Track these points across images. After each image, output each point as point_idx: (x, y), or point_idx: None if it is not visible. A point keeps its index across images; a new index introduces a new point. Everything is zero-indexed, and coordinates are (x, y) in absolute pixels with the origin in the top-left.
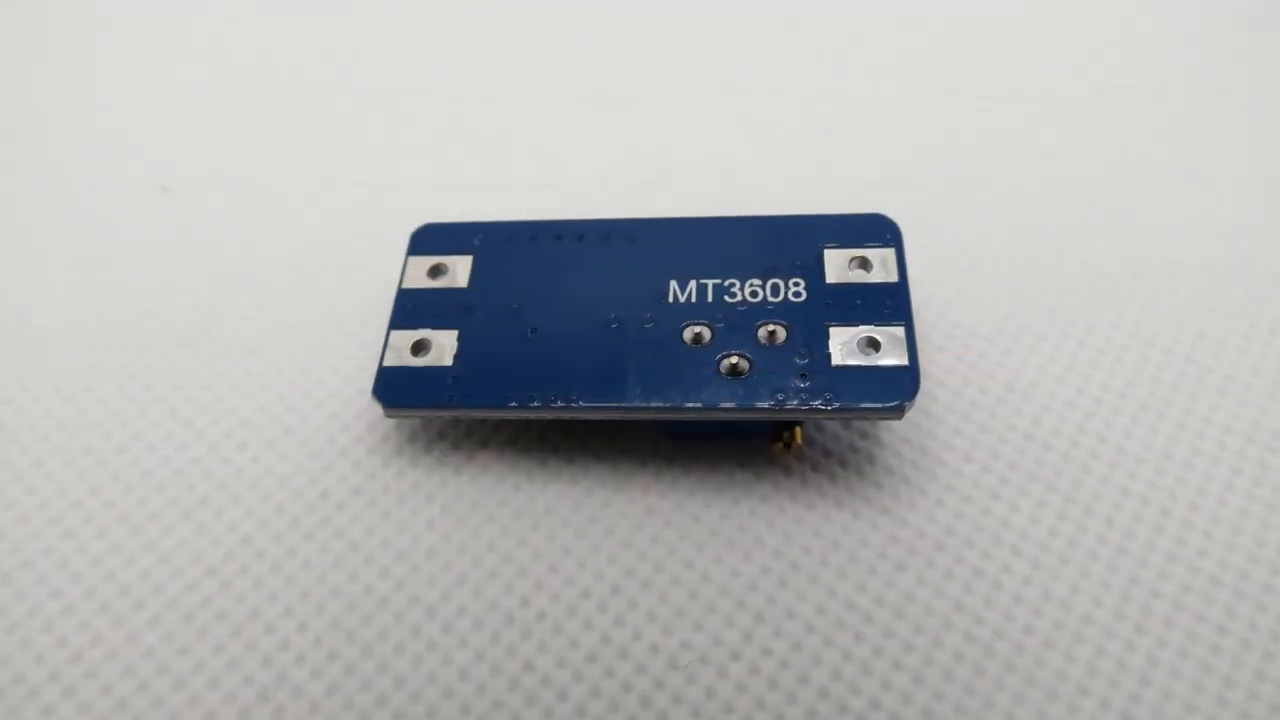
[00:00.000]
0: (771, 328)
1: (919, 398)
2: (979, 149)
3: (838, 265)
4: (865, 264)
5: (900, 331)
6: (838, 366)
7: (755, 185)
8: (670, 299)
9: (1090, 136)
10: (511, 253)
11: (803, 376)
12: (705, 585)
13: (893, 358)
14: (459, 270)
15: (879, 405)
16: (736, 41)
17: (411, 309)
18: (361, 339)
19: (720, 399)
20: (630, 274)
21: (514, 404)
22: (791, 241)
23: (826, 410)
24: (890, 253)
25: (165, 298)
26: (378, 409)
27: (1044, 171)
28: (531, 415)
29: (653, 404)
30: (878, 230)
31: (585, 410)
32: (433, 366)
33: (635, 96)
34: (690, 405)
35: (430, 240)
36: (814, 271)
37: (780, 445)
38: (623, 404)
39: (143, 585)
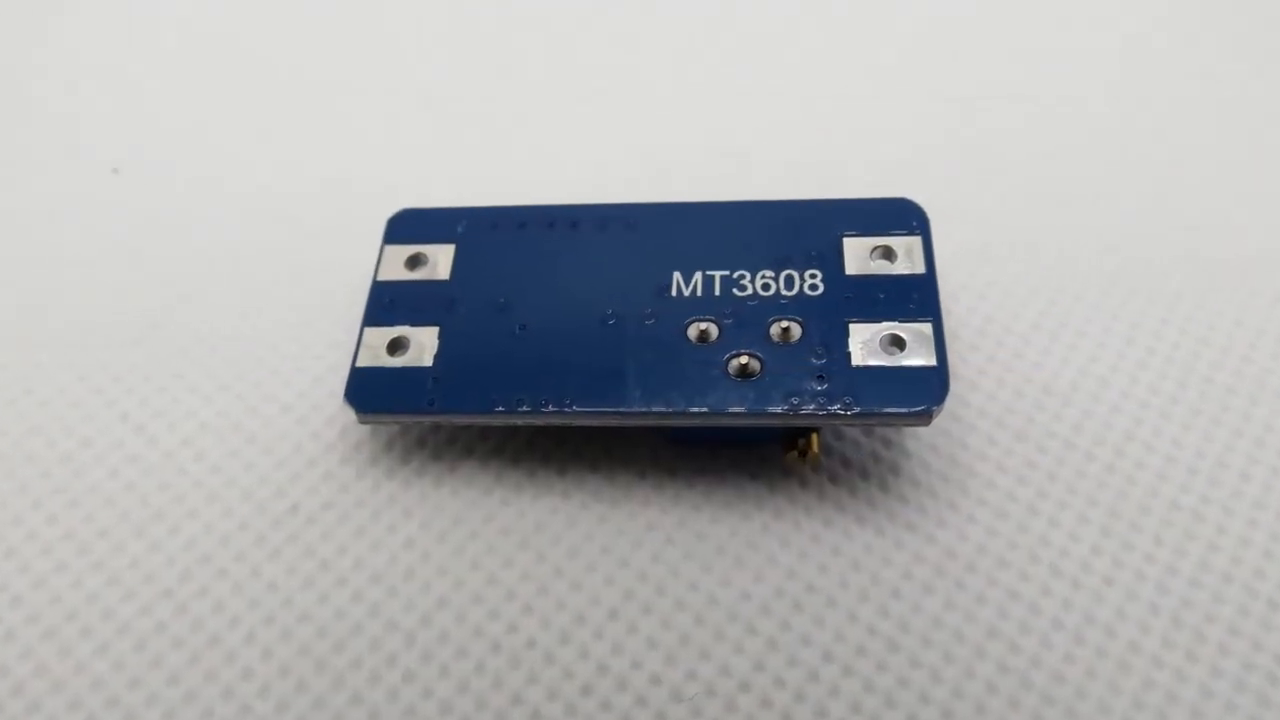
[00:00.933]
0: (785, 324)
1: (948, 402)
2: (1016, 132)
3: (858, 255)
4: (889, 253)
5: (928, 328)
6: (858, 367)
7: (767, 168)
8: (674, 292)
9: (1138, 120)
10: (499, 241)
11: (819, 378)
12: (712, 609)
13: (919, 358)
14: (440, 261)
15: (904, 410)
16: (755, 14)
17: (388, 303)
18: (332, 337)
19: (728, 403)
20: (630, 265)
21: (500, 408)
22: (807, 229)
23: (846, 416)
24: (916, 241)
25: (115, 291)
26: (350, 414)
27: (1088, 154)
28: (520, 421)
29: (654, 408)
30: (903, 216)
31: (579, 415)
32: (411, 367)
33: (635, 88)
34: (695, 410)
35: (408, 227)
36: (832, 262)
37: (795, 454)
38: (621, 408)
39: (90, 609)
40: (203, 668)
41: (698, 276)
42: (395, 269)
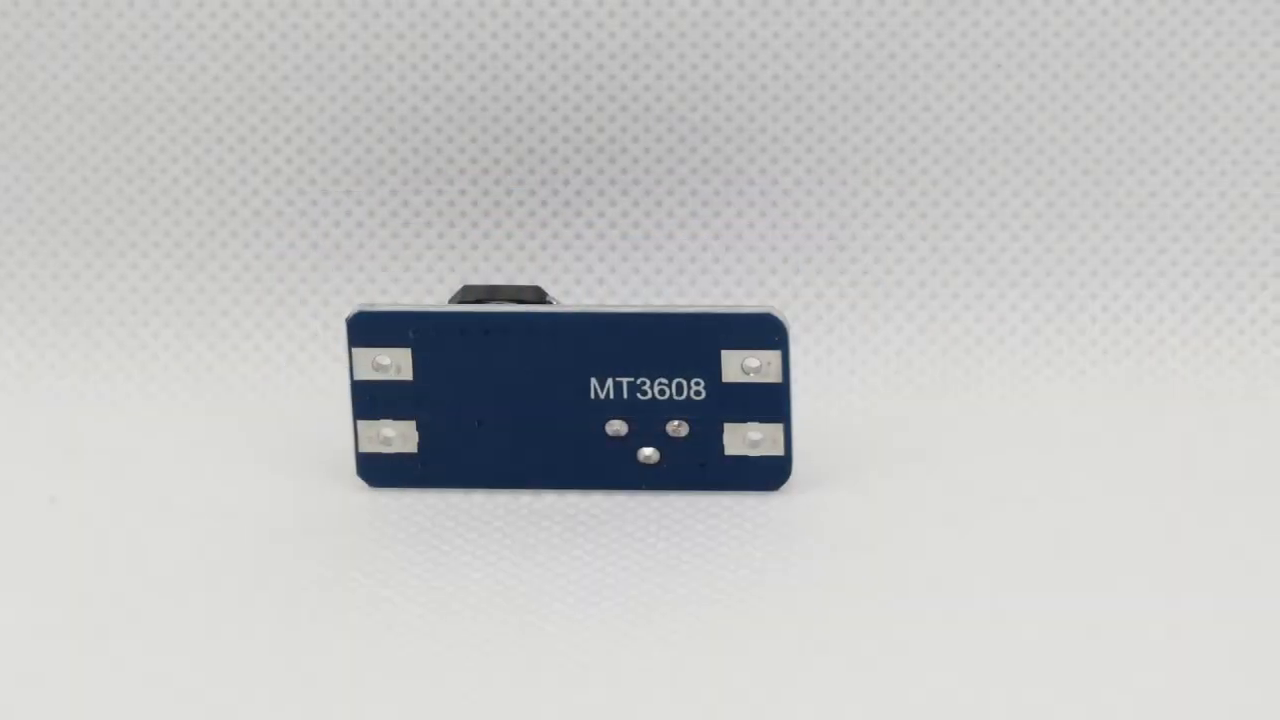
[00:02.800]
0: (677, 423)
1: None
2: None
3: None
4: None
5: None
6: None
7: None
8: (592, 395)
9: None
10: (446, 345)
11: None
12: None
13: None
14: (402, 363)
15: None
16: None
17: (369, 400)
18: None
19: (638, 484)
20: (555, 369)
21: (475, 485)
22: (689, 340)
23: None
24: (776, 355)
25: None
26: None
27: None
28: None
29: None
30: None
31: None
32: (402, 454)
33: None
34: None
35: (367, 331)
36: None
37: None
38: (561, 488)
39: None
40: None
41: (610, 382)
42: (366, 369)
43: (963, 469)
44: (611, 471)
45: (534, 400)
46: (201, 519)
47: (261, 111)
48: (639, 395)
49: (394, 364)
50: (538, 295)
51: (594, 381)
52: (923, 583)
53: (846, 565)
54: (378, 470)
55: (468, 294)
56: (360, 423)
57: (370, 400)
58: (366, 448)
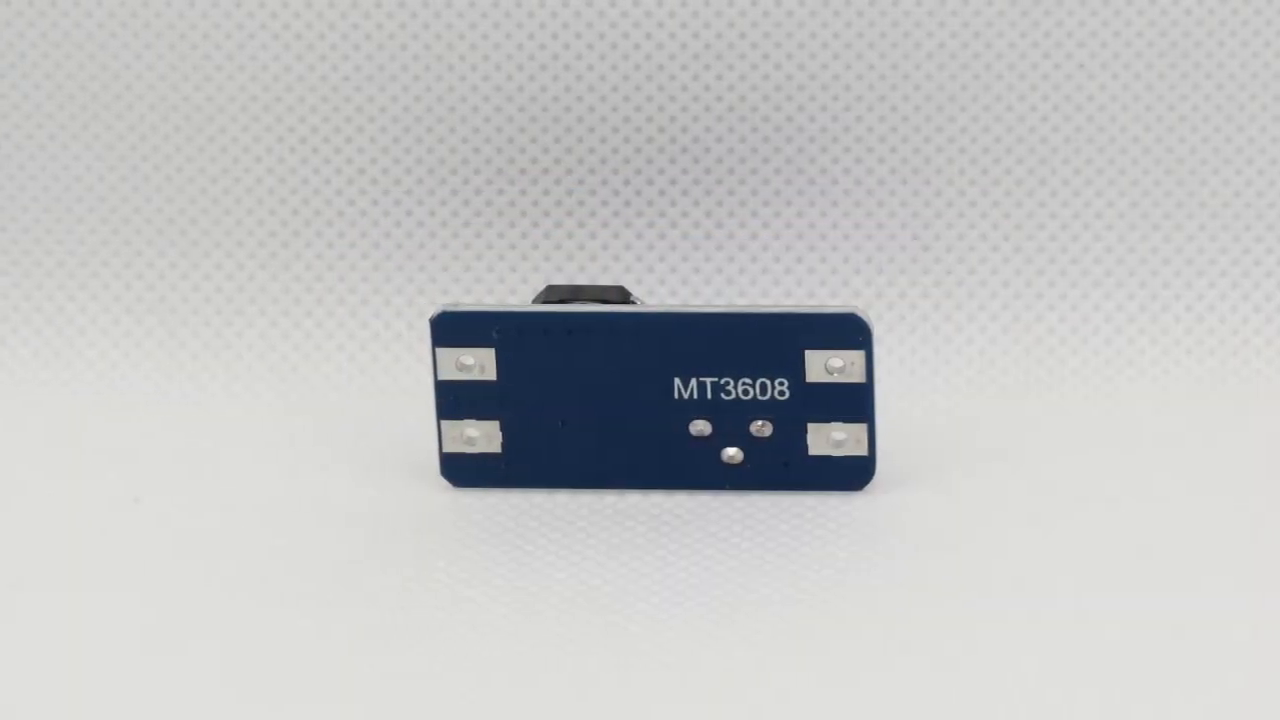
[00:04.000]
0: (761, 423)
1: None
2: None
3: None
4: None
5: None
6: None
7: None
8: (675, 395)
9: None
10: (530, 345)
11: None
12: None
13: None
14: (486, 363)
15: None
16: None
17: (453, 400)
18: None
19: (722, 485)
20: (639, 369)
21: (559, 485)
22: (773, 340)
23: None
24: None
25: None
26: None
27: None
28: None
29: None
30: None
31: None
32: (486, 453)
33: None
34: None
35: (451, 330)
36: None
37: None
38: (646, 488)
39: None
40: None
41: (694, 382)
42: (450, 370)
43: (1045, 469)
44: (695, 471)
45: (617, 400)
46: (284, 519)
47: (346, 111)
48: (722, 395)
49: (478, 364)
50: (622, 295)
51: (678, 381)
52: (1005, 583)
53: (929, 565)
54: (462, 470)
55: (551, 294)
56: (444, 423)
57: (454, 400)
58: (450, 448)
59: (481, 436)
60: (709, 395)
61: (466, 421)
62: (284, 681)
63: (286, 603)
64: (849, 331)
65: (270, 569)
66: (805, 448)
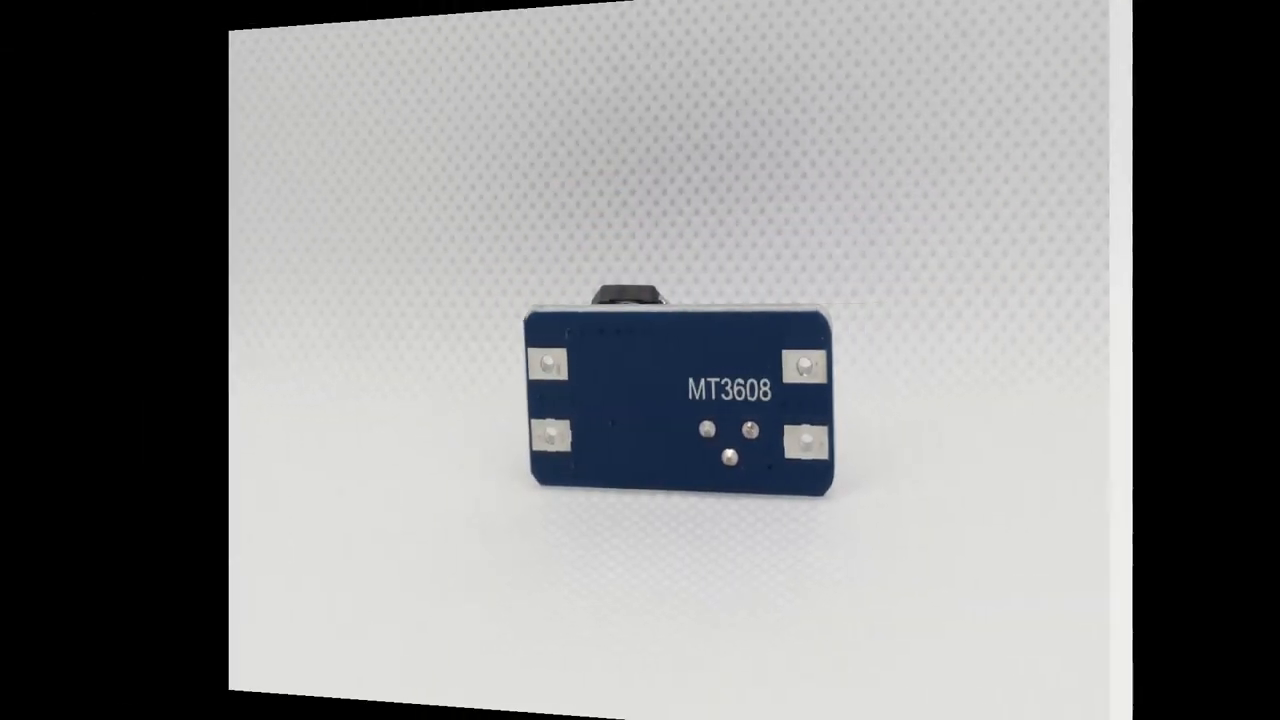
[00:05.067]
0: (749, 424)
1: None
2: None
3: (790, 366)
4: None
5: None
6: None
7: None
8: (690, 395)
9: None
10: (592, 345)
11: (769, 468)
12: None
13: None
14: (560, 363)
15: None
16: None
17: (539, 399)
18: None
19: (722, 487)
20: (666, 369)
21: (612, 485)
22: (759, 339)
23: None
24: (821, 355)
25: None
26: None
27: None
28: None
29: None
30: (815, 330)
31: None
32: (560, 452)
33: None
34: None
35: (539, 330)
36: (776, 370)
37: None
38: (677, 489)
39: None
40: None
41: (703, 382)
42: (538, 369)
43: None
44: (702, 473)
45: (650, 400)
46: (382, 515)
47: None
48: (723, 396)
49: (555, 364)
50: (651, 295)
51: (691, 382)
52: (929, 581)
53: (893, 567)
54: (546, 468)
55: (604, 294)
56: (533, 421)
57: (540, 399)
58: (537, 446)
59: (558, 435)
60: (713, 395)
61: (548, 420)
62: (370, 683)
63: (383, 596)
64: (814, 331)
65: (381, 562)
66: (782, 450)
